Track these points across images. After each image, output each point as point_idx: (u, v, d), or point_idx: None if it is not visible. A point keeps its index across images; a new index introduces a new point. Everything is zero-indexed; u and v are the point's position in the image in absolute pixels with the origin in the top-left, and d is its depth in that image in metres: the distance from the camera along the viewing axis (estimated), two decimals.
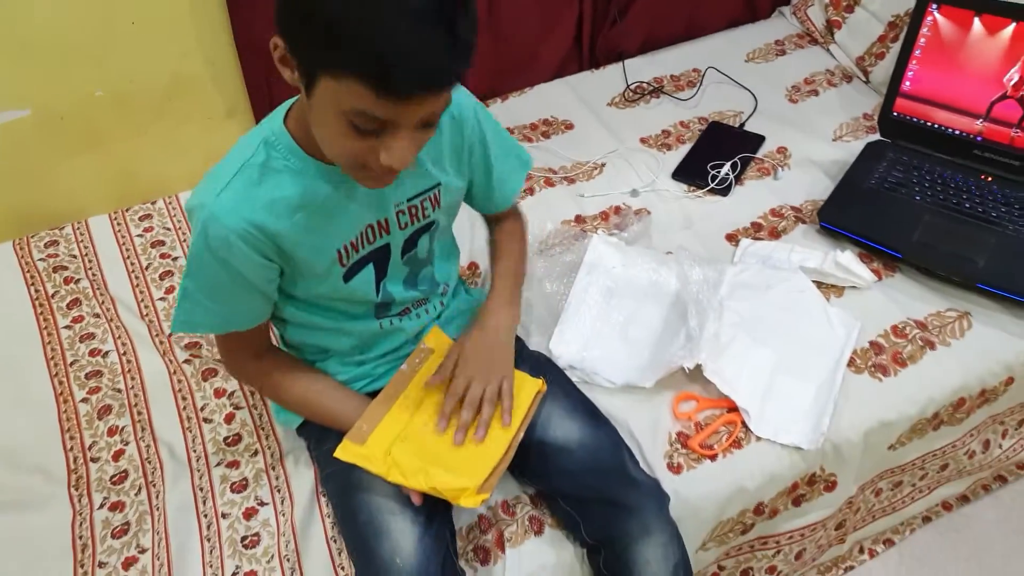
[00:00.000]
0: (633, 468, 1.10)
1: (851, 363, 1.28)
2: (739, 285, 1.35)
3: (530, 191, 1.62)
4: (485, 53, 1.80)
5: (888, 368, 1.28)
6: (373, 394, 1.13)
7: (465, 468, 1.00)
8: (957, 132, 1.49)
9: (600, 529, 1.06)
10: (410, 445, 1.02)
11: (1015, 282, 1.31)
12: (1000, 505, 1.57)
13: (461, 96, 1.03)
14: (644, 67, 1.93)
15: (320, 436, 1.13)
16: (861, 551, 1.49)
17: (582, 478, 1.07)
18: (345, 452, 1.01)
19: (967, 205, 1.43)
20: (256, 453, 1.23)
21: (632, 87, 1.87)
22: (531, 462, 1.10)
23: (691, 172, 1.63)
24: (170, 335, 1.41)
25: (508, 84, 1.90)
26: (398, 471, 0.99)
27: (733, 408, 1.22)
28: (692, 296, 1.28)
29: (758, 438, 1.20)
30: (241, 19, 1.55)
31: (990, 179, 1.46)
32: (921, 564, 1.49)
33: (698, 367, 1.22)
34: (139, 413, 1.30)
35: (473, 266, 1.47)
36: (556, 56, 1.94)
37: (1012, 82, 1.40)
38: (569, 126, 1.78)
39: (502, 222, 1.23)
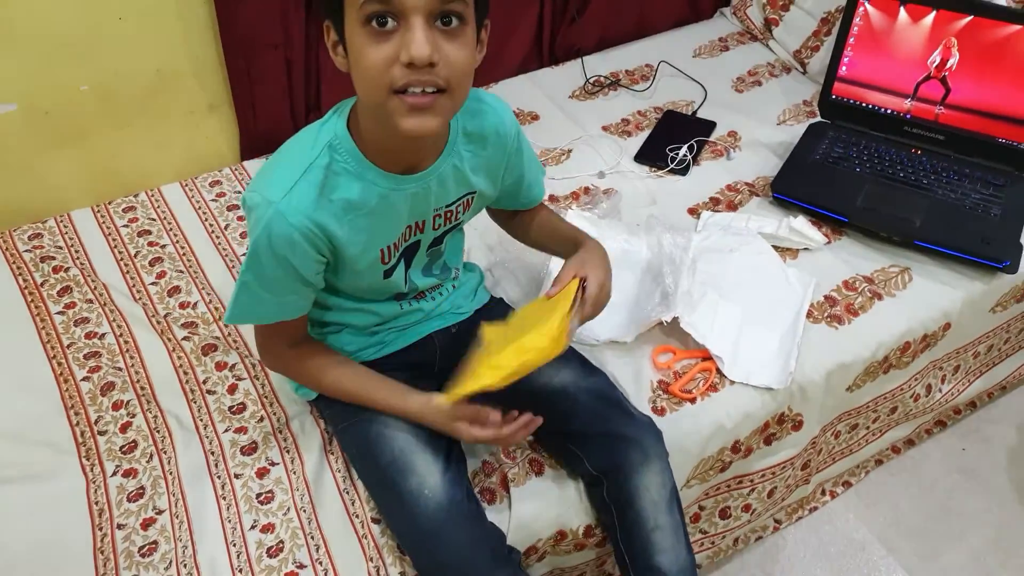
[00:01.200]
0: (629, 404, 1.20)
1: (809, 315, 1.41)
2: (705, 249, 1.48)
3: None
4: None
5: (842, 318, 1.41)
6: (383, 359, 1.20)
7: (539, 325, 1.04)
8: (889, 111, 1.66)
9: (604, 460, 1.14)
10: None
11: (947, 238, 1.47)
12: (940, 447, 1.73)
13: (507, 115, 1.10)
14: (601, 63, 2.06)
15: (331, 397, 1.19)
16: (823, 493, 1.62)
17: (585, 415, 1.16)
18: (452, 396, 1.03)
19: (901, 174, 1.59)
20: (262, 419, 1.29)
21: (591, 80, 2.00)
22: (534, 408, 1.16)
23: (651, 155, 1.76)
24: (158, 318, 1.45)
25: (474, 81, 1.99)
26: (491, 370, 1.01)
27: (707, 357, 1.34)
28: (667, 256, 1.40)
29: (732, 382, 1.31)
30: (227, 14, 1.61)
31: (919, 152, 1.63)
32: (876, 502, 1.63)
33: (675, 321, 1.33)
34: (142, 388, 1.34)
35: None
36: (518, 54, 2.06)
37: (934, 64, 1.57)
38: (535, 117, 1.89)
39: (536, 212, 1.28)
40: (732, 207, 1.62)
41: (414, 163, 1.02)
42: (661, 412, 1.28)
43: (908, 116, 1.64)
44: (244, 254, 1.14)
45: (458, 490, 1.07)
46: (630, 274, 1.46)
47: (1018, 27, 1.47)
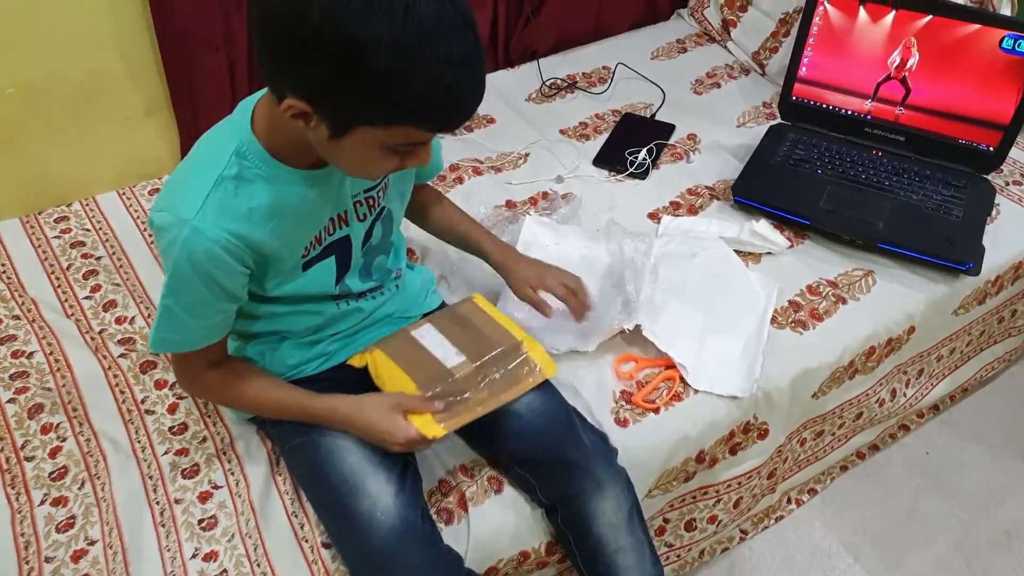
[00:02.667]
0: (581, 427, 1.15)
1: (773, 320, 1.38)
2: (666, 255, 1.44)
3: (459, 180, 1.66)
4: None
5: (807, 323, 1.38)
6: (327, 372, 1.15)
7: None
8: (849, 112, 1.64)
9: (555, 489, 1.11)
10: None
11: (910, 240, 1.45)
12: (905, 451, 1.71)
13: None
14: (557, 65, 2.02)
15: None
16: (789, 501, 1.59)
17: (533, 440, 1.12)
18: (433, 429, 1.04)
19: (863, 176, 1.57)
20: (205, 440, 1.21)
21: (548, 83, 1.95)
22: (484, 429, 1.13)
23: (610, 159, 1.72)
24: (100, 334, 1.37)
25: None
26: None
27: (670, 365, 1.30)
28: (628, 262, 1.36)
29: (696, 391, 1.27)
30: (162, 13, 1.53)
31: (880, 153, 1.61)
32: (841, 509, 1.60)
33: (637, 329, 1.29)
34: (74, 410, 1.25)
35: (411, 251, 1.50)
36: None
37: (894, 64, 1.56)
38: (491, 120, 1.84)
39: (437, 201, 1.30)
40: (693, 211, 1.59)
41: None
42: (624, 423, 1.23)
43: (868, 117, 1.62)
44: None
45: (412, 512, 1.02)
46: (591, 280, 1.40)
47: (977, 27, 1.46)
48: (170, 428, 1.23)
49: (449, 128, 0.85)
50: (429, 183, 1.30)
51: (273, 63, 0.81)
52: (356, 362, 1.13)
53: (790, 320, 1.39)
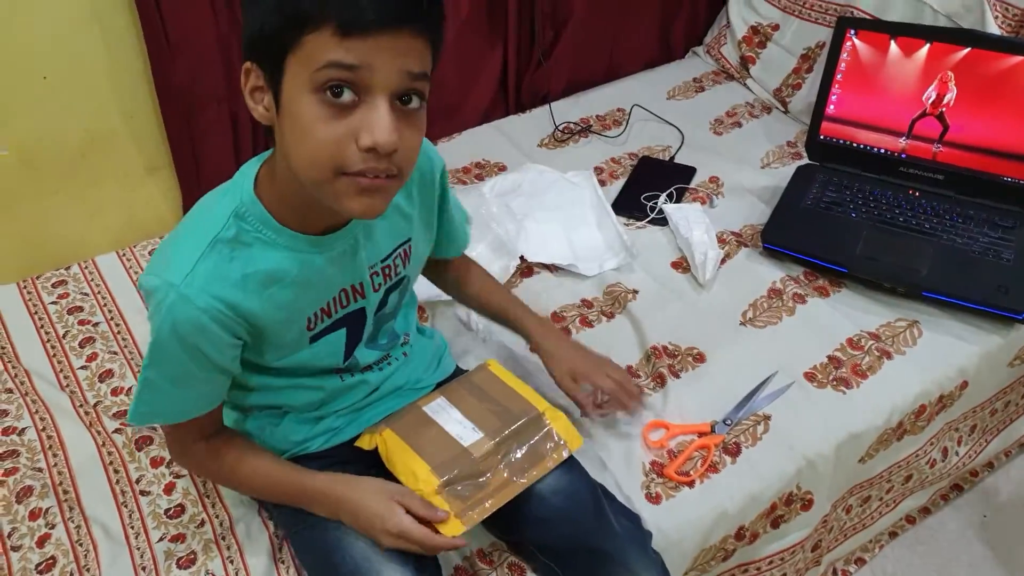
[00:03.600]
0: (612, 510, 1.05)
1: (813, 379, 1.28)
2: (501, 192, 1.61)
3: None
4: None
5: (850, 381, 1.28)
6: (334, 450, 1.06)
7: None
8: (882, 151, 1.55)
9: None
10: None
11: (957, 288, 1.34)
12: (959, 515, 1.59)
13: (431, 151, 1.00)
14: (570, 108, 1.95)
15: None
16: (835, 573, 1.47)
17: (559, 527, 1.01)
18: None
19: (901, 219, 1.47)
20: (203, 524, 1.13)
21: (560, 127, 1.88)
22: (504, 512, 1.04)
23: (628, 205, 1.64)
24: (96, 405, 1.29)
25: (436, 131, 1.88)
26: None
27: (705, 432, 1.20)
28: (491, 214, 1.52)
29: (733, 461, 1.17)
30: (162, 70, 1.48)
31: (917, 194, 1.51)
32: None
33: (666, 397, 1.19)
34: (65, 492, 1.17)
35: (420, 309, 1.42)
36: (483, 101, 1.94)
37: (930, 100, 1.47)
38: (502, 167, 1.77)
39: (467, 271, 1.22)
40: (721, 261, 1.49)
41: (336, 221, 0.90)
42: (656, 499, 1.13)
43: (904, 156, 1.53)
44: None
45: None
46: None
47: (1019, 58, 1.37)
48: (166, 511, 1.14)
49: (365, 25, 0.70)
50: (475, 263, 1.24)
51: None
52: (365, 444, 1.04)
53: (831, 378, 1.28)
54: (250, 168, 0.87)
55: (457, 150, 1.82)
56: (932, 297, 1.36)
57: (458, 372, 1.19)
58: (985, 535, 1.56)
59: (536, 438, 1.03)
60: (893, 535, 1.53)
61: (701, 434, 1.20)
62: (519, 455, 1.01)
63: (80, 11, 1.40)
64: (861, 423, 1.23)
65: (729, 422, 1.21)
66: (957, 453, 1.47)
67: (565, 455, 1.03)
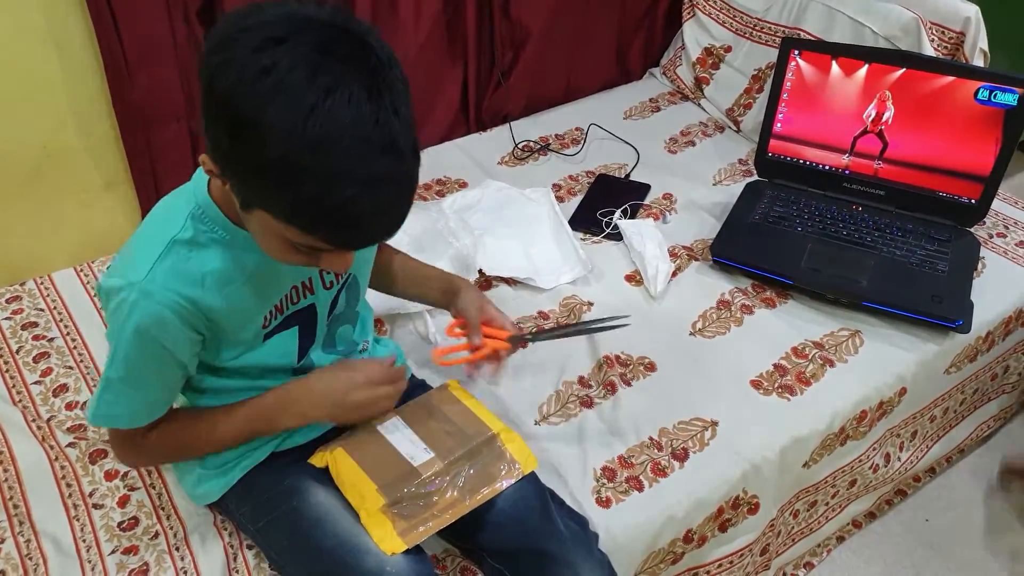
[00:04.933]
0: (559, 512, 1.07)
1: (759, 386, 1.32)
2: (463, 207, 1.65)
3: None
4: None
5: (794, 388, 1.32)
6: (285, 453, 1.07)
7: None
8: (827, 167, 1.61)
9: None
10: None
11: (896, 298, 1.40)
12: (903, 519, 1.63)
13: None
14: (529, 128, 1.99)
15: (245, 491, 1.05)
16: None
17: (508, 530, 1.03)
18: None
19: (844, 232, 1.52)
20: (156, 536, 1.12)
21: (520, 146, 1.92)
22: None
23: (585, 221, 1.67)
24: (49, 420, 1.29)
25: None
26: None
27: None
28: (449, 229, 1.54)
29: (682, 466, 1.20)
30: (120, 88, 1.49)
31: (860, 208, 1.57)
32: None
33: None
34: (15, 506, 1.16)
35: (379, 321, 1.44)
36: (444, 120, 1.97)
37: (870, 118, 1.53)
38: (463, 184, 1.80)
39: (392, 253, 1.23)
40: (673, 273, 1.53)
41: None
42: (606, 503, 1.15)
43: (847, 172, 1.59)
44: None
45: (425, 565, 0.96)
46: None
47: (951, 78, 1.44)
48: (119, 524, 1.14)
49: (349, 246, 0.78)
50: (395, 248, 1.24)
51: (200, 116, 0.77)
52: (317, 462, 1.05)
53: (776, 385, 1.32)
54: (203, 172, 0.89)
55: None
56: (872, 307, 1.41)
57: (415, 382, 1.21)
58: (928, 538, 1.60)
59: (489, 459, 1.05)
60: (840, 539, 1.57)
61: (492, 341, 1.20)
62: (470, 474, 1.03)
63: (35, 27, 1.41)
64: (805, 428, 1.27)
65: (530, 336, 1.17)
66: (899, 458, 1.52)
67: (517, 475, 1.04)
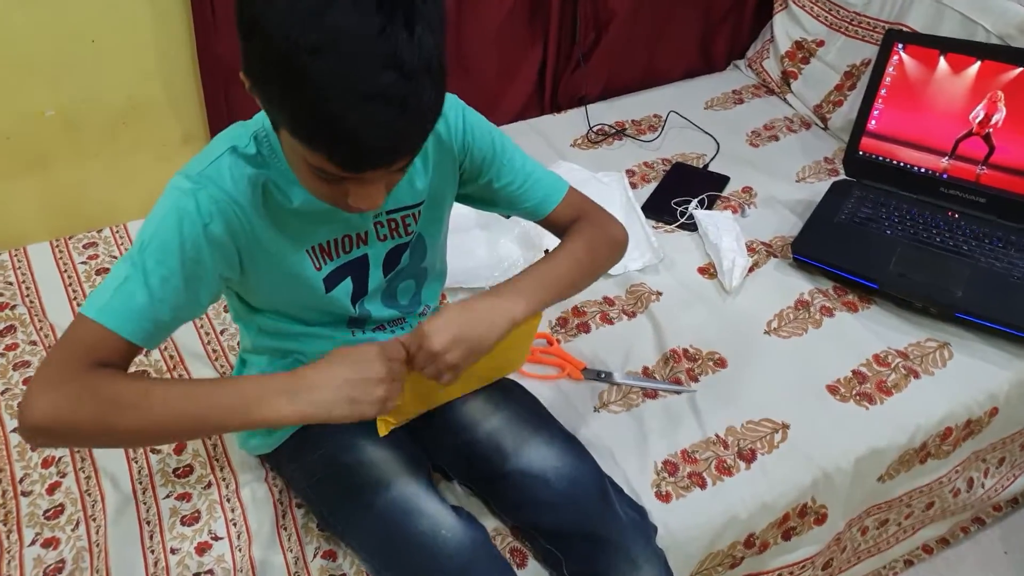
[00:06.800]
0: (617, 498, 1.03)
1: (835, 391, 1.26)
2: None
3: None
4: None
5: (873, 396, 1.25)
6: None
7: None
8: (923, 170, 1.52)
9: (585, 567, 0.98)
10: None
11: (993, 311, 1.31)
12: (979, 549, 1.53)
13: (453, 112, 0.95)
14: (605, 111, 1.94)
15: (297, 448, 1.04)
16: None
17: (562, 511, 0.99)
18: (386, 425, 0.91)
19: (938, 239, 1.44)
20: (210, 485, 1.12)
21: (595, 129, 1.87)
22: (507, 493, 1.03)
23: (658, 208, 1.62)
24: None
25: None
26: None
27: (577, 369, 1.27)
28: None
29: (748, 466, 1.15)
30: (206, 41, 1.50)
31: (957, 215, 1.48)
32: None
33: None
34: (82, 459, 1.18)
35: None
36: (518, 100, 1.94)
37: (977, 119, 1.44)
38: None
39: (572, 225, 1.04)
40: (749, 270, 1.47)
41: None
42: (666, 498, 1.11)
43: (945, 176, 1.50)
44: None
45: (480, 531, 0.95)
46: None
47: None
48: (175, 470, 1.14)
49: (347, 166, 0.71)
50: (587, 216, 1.05)
51: None
52: (384, 428, 0.94)
53: (854, 392, 1.25)
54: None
55: None
56: (965, 319, 1.33)
57: None
58: (1004, 572, 1.50)
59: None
60: (908, 563, 1.48)
61: (569, 366, 1.23)
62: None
63: None
64: (883, 439, 1.20)
65: (604, 377, 1.18)
66: (983, 485, 1.43)
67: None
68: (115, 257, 1.51)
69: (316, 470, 1.03)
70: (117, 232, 1.56)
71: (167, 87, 1.56)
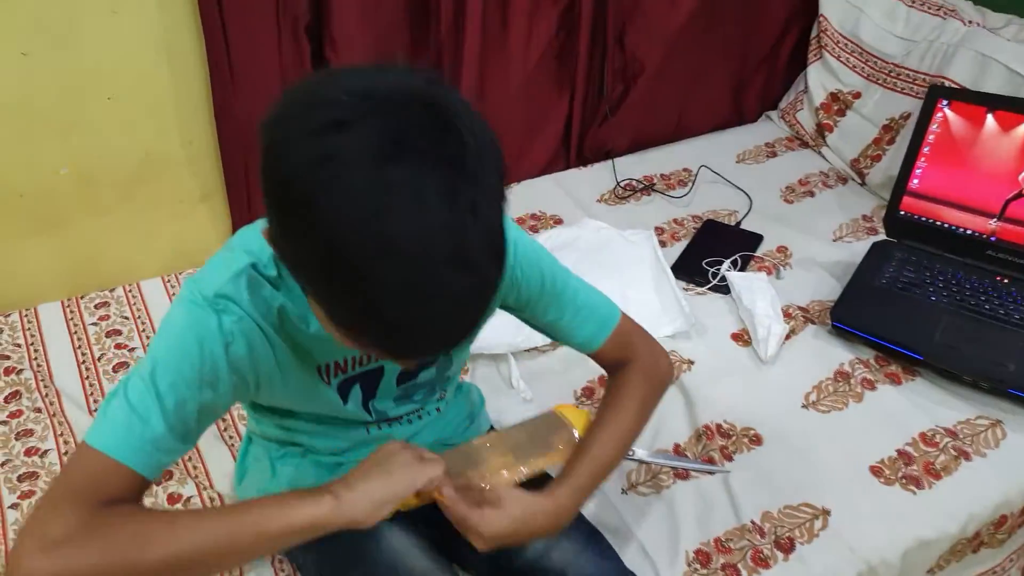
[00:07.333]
0: None
1: (880, 474, 1.17)
2: (556, 247, 1.47)
3: None
4: None
5: (921, 480, 1.16)
6: None
7: None
8: (969, 232, 1.44)
9: None
10: None
11: None
12: None
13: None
14: (633, 165, 1.89)
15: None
16: None
17: None
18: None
19: (987, 307, 1.35)
20: None
21: (622, 184, 1.82)
22: None
23: (689, 269, 1.55)
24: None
25: None
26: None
27: None
28: None
29: (786, 558, 1.06)
30: (224, 98, 1.47)
31: (1007, 280, 1.40)
32: None
33: None
34: None
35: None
36: (544, 155, 1.90)
37: None
38: (559, 221, 1.71)
39: (619, 370, 0.98)
40: (786, 337, 1.39)
41: None
42: None
43: (993, 239, 1.42)
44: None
45: None
46: None
47: None
48: None
49: (400, 358, 0.66)
50: (639, 358, 0.98)
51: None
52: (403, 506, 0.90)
53: (900, 475, 1.17)
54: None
55: (513, 200, 1.74)
56: (1019, 395, 1.24)
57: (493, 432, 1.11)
58: None
59: (545, 426, 0.94)
60: None
61: None
62: (523, 439, 0.92)
63: (148, 34, 1.41)
64: (932, 529, 1.11)
65: (632, 455, 1.15)
66: None
67: (576, 437, 0.92)
68: (127, 319, 1.47)
69: (330, 558, 0.96)
70: (131, 291, 1.53)
71: (185, 145, 1.53)
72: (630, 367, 0.97)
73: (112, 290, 1.53)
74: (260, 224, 0.82)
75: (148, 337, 1.43)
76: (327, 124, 0.57)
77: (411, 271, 0.57)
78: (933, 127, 1.42)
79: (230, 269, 0.76)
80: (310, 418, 0.93)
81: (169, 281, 1.55)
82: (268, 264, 0.77)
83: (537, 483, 0.87)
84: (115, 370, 1.37)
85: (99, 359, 1.39)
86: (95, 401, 1.31)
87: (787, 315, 1.43)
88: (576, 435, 0.92)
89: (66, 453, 1.21)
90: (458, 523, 0.81)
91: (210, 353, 0.74)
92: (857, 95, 1.86)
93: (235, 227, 1.62)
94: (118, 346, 1.42)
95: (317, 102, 0.59)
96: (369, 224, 0.56)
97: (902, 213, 1.50)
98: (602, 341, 0.96)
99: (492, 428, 1.12)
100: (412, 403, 0.99)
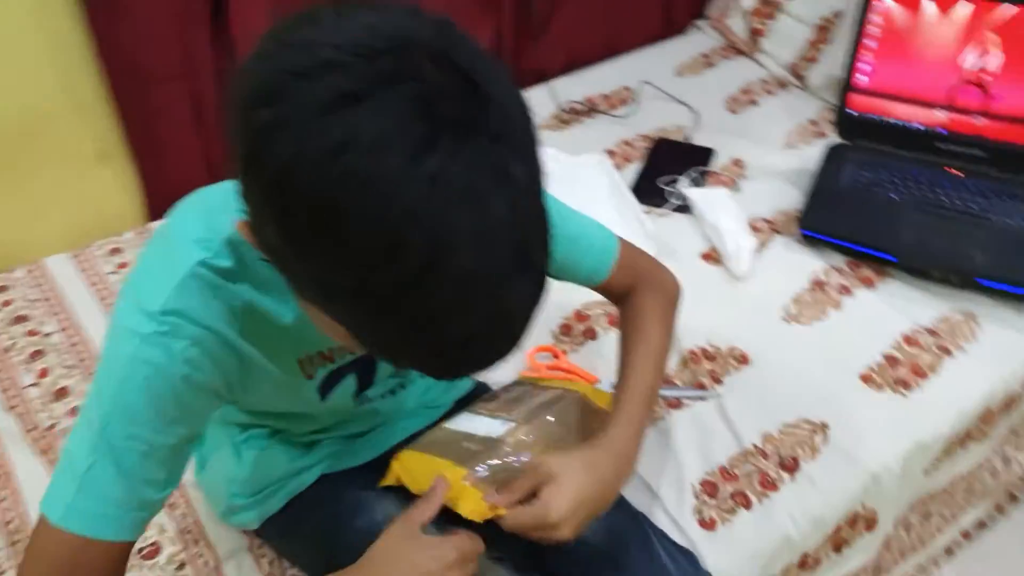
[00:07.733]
0: (662, 550, 0.88)
1: (870, 380, 1.15)
2: None
3: None
4: None
5: (910, 382, 1.15)
6: (340, 474, 0.90)
7: None
8: (920, 127, 1.41)
9: None
10: None
11: (1017, 274, 1.22)
12: (1019, 528, 1.45)
13: None
14: (572, 87, 1.79)
15: (287, 523, 0.90)
16: None
17: (601, 570, 0.85)
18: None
19: (946, 201, 1.34)
20: (183, 566, 0.96)
21: (565, 108, 1.72)
22: (540, 549, 0.88)
23: (647, 192, 1.48)
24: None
25: None
26: None
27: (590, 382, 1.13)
28: None
29: (792, 477, 1.03)
30: (107, 41, 1.27)
31: (962, 173, 1.38)
32: None
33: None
34: (16, 530, 1.00)
35: None
36: None
37: (968, 65, 1.33)
38: None
39: (630, 296, 0.91)
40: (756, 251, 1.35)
41: None
42: (710, 525, 0.98)
43: (944, 132, 1.40)
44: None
45: None
46: None
47: None
48: (139, 551, 0.97)
49: (436, 377, 0.58)
50: (647, 281, 0.92)
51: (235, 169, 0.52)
52: (390, 481, 0.85)
53: (890, 380, 1.15)
54: (226, 191, 0.66)
55: None
56: (988, 286, 1.23)
57: (479, 388, 1.03)
58: None
59: (569, 406, 0.90)
60: (950, 552, 1.40)
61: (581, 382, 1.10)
62: (551, 419, 0.86)
63: None
64: (928, 430, 1.10)
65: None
66: (1020, 461, 1.35)
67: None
68: (33, 301, 1.30)
69: (311, 543, 0.88)
70: (34, 271, 1.35)
71: (70, 96, 1.31)
72: (641, 289, 0.90)
73: (11, 271, 1.35)
74: (200, 197, 0.68)
75: (65, 321, 1.27)
76: (335, 98, 0.45)
77: (473, 282, 0.47)
78: (872, 17, 1.36)
79: (174, 273, 0.62)
80: (300, 418, 0.85)
81: (79, 256, 1.38)
82: (220, 253, 0.63)
83: None
84: (31, 358, 1.21)
85: (8, 350, 1.23)
86: (12, 397, 1.16)
87: (754, 228, 1.39)
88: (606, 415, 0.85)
89: None
90: (528, 531, 0.73)
91: (168, 392, 0.62)
92: None
93: (148, 191, 1.44)
94: (30, 332, 1.26)
95: (313, 66, 0.46)
96: (411, 241, 0.46)
97: (852, 112, 1.46)
98: (608, 270, 0.88)
99: (479, 387, 1.03)
100: (400, 376, 0.89)
